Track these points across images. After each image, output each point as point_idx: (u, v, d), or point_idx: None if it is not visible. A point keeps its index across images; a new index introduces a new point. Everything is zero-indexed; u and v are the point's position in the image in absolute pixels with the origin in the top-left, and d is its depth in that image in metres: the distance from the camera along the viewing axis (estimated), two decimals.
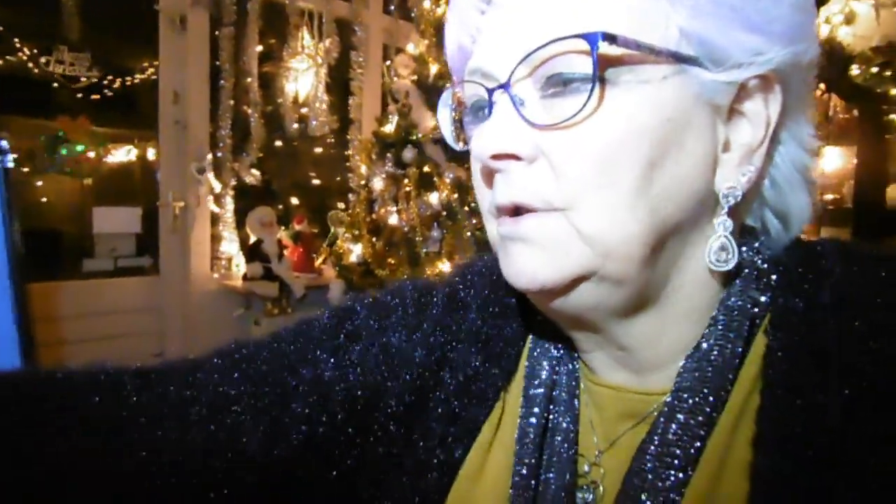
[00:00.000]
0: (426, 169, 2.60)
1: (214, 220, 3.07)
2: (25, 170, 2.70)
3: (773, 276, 0.47)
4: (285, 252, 3.17)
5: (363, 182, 2.79)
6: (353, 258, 2.73)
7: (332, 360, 0.56)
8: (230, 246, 3.12)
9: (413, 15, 2.98)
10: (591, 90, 0.40)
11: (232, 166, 3.08)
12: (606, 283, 0.44)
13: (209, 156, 2.96)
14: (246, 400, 0.53)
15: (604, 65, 0.40)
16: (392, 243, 2.69)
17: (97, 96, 2.82)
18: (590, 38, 0.39)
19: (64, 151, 2.70)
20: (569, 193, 0.42)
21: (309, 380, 0.55)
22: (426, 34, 2.69)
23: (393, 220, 2.66)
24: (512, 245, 0.45)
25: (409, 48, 2.78)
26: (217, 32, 2.95)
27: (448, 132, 0.51)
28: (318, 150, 3.74)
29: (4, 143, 0.85)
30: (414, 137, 2.61)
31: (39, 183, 2.84)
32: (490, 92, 0.45)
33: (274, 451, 0.52)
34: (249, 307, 3.06)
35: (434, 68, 2.66)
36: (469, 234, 2.57)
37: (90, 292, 2.74)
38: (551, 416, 0.52)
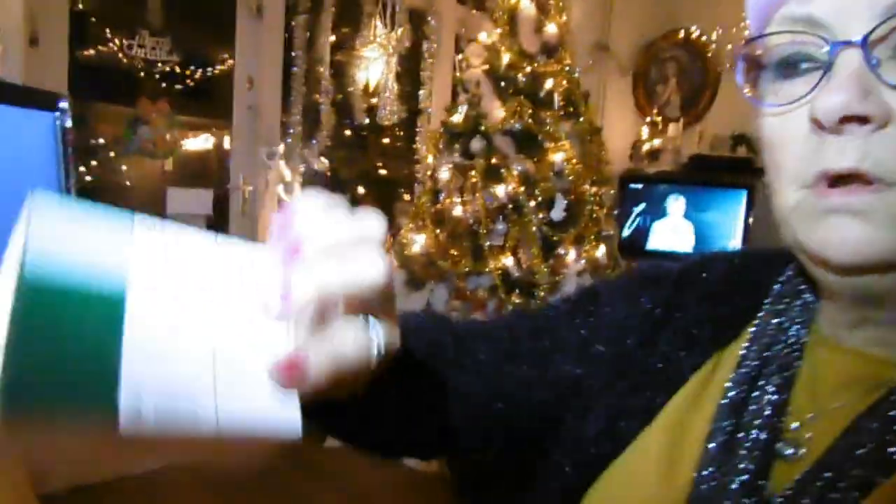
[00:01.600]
0: (494, 160, 2.54)
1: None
2: (112, 154, 2.81)
3: None
4: None
5: (429, 172, 2.75)
6: (415, 249, 2.71)
7: (584, 327, 0.63)
8: None
9: (487, 5, 2.93)
10: None
11: (301, 153, 3.11)
12: None
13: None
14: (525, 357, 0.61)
15: None
16: (455, 235, 2.64)
17: (179, 86, 2.91)
18: None
19: (143, 133, 2.79)
20: None
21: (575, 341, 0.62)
22: (500, 23, 2.64)
23: (457, 211, 2.61)
24: (834, 217, 0.42)
25: (481, 37, 2.73)
26: (292, 21, 3.00)
27: (745, 85, 0.49)
28: (386, 140, 3.74)
29: (65, 104, 0.85)
30: (483, 128, 2.56)
31: (124, 167, 2.94)
32: (834, 47, 0.41)
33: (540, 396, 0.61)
34: None
35: (506, 58, 2.60)
36: (535, 228, 2.49)
37: None
38: (761, 382, 0.50)
